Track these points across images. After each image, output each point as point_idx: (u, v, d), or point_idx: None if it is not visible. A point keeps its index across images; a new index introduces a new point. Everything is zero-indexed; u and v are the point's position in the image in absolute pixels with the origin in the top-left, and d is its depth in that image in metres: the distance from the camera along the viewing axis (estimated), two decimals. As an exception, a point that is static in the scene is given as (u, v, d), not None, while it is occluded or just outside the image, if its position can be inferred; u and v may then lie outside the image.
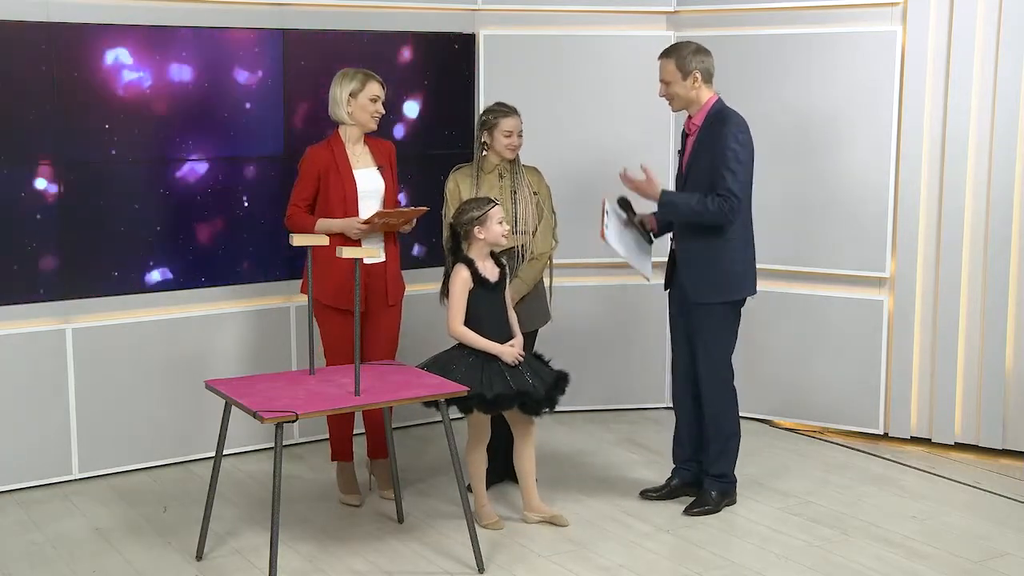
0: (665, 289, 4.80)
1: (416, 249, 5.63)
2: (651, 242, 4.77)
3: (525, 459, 4.58)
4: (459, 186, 4.79)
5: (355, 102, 4.62)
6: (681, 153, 4.68)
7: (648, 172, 4.56)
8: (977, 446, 5.47)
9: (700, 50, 4.55)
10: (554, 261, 4.98)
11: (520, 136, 4.78)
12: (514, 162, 4.83)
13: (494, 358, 4.38)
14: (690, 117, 4.60)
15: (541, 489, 4.77)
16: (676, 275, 4.69)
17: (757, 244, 5.71)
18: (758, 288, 4.72)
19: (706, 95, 4.55)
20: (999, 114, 5.26)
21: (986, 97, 5.29)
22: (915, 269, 5.50)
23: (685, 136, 4.66)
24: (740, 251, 4.59)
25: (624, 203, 4.66)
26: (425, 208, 4.63)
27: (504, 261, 4.56)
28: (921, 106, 5.42)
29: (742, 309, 4.70)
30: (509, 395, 4.32)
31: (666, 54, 4.58)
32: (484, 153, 4.81)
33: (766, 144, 5.65)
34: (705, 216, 4.45)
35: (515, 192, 4.80)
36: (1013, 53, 5.20)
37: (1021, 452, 5.37)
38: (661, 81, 4.59)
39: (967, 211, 5.38)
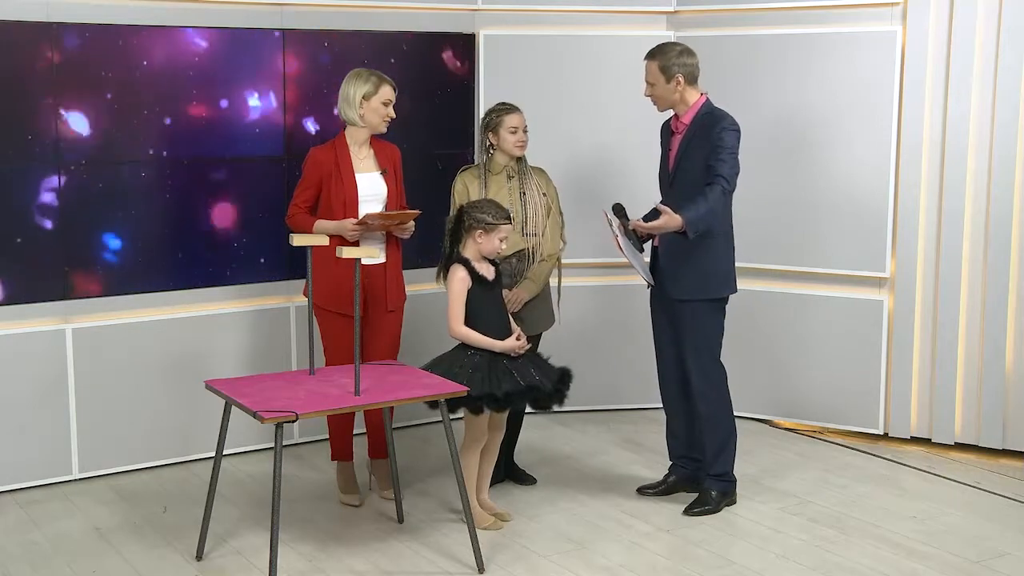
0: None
1: (415, 250, 5.62)
2: (642, 250, 4.71)
3: (490, 457, 4.60)
4: (467, 187, 4.77)
5: (368, 104, 4.60)
6: (665, 149, 4.68)
7: (663, 210, 4.41)
8: (977, 446, 5.47)
9: (685, 52, 4.56)
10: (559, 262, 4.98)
11: (525, 132, 4.78)
12: (521, 163, 4.83)
13: (499, 356, 4.37)
14: (677, 116, 4.61)
15: (541, 488, 4.89)
16: (658, 272, 4.69)
17: (757, 243, 5.71)
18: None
19: (693, 96, 4.56)
20: (999, 114, 5.25)
21: (986, 97, 5.29)
22: (915, 269, 5.50)
23: (670, 134, 4.66)
24: (722, 249, 4.59)
25: (619, 210, 4.58)
26: (417, 212, 4.60)
27: (498, 263, 4.55)
28: (921, 106, 5.42)
29: (727, 307, 4.69)
30: (519, 391, 4.32)
31: (651, 56, 4.59)
32: (491, 154, 4.81)
33: (766, 143, 5.66)
34: (716, 207, 4.40)
35: (524, 193, 4.79)
36: (1013, 53, 5.20)
37: (1021, 452, 5.37)
38: (646, 82, 4.61)
39: (967, 211, 5.38)
